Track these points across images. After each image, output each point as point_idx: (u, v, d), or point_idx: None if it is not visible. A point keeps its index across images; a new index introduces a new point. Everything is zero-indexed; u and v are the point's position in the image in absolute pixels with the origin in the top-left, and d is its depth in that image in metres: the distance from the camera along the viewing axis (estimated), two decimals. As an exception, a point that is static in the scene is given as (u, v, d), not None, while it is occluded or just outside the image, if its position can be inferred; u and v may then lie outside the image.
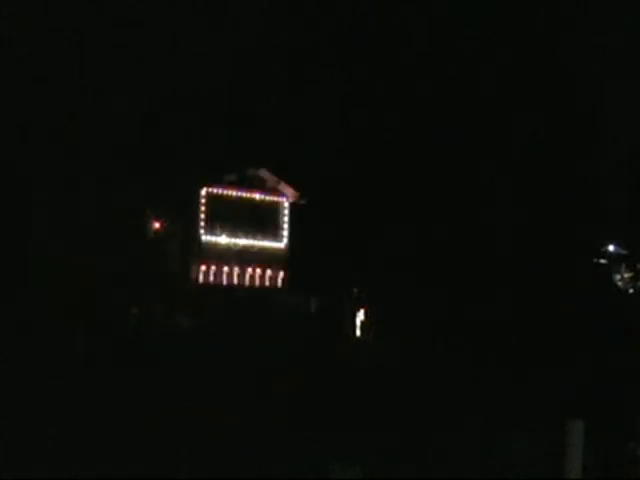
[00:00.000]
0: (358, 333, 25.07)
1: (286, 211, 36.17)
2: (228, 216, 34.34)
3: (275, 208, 35.71)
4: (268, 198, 35.37)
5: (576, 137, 40.04)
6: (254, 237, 35.06)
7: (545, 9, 36.79)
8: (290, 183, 35.83)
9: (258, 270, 35.56)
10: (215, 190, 34.07)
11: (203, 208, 33.85)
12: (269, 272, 35.81)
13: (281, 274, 35.60)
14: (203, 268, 33.95)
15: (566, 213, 41.45)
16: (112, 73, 32.77)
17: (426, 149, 35.44)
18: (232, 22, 36.88)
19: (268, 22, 36.91)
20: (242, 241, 34.84)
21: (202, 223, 33.89)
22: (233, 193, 34.43)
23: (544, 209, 42.25)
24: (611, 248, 50.81)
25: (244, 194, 34.69)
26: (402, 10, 34.59)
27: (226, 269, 34.66)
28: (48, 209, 29.56)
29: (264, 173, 35.40)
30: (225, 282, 34.43)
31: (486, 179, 40.80)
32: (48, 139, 29.00)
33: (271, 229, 35.67)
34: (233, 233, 34.65)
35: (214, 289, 33.13)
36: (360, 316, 25.46)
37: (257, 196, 35.05)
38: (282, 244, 35.38)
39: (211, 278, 34.16)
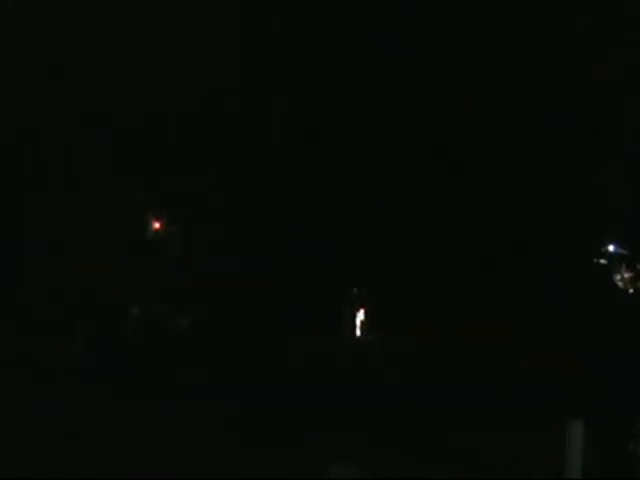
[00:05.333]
0: (358, 333, 25.07)
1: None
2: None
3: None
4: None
5: (577, 137, 40.05)
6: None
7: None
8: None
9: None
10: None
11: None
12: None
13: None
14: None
15: (567, 213, 41.44)
16: (115, 72, 32.73)
17: (426, 150, 35.43)
18: (236, 24, 36.84)
19: (271, 24, 36.87)
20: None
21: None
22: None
23: (545, 209, 42.22)
24: (611, 248, 50.80)
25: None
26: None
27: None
28: (47, 208, 29.52)
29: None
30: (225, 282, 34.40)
31: (485, 182, 40.78)
32: (47, 137, 28.98)
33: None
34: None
35: (214, 289, 33.11)
36: (360, 316, 25.45)
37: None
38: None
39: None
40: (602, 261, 46.25)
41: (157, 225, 33.51)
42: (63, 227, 29.77)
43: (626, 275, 46.85)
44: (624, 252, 47.35)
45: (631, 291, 44.83)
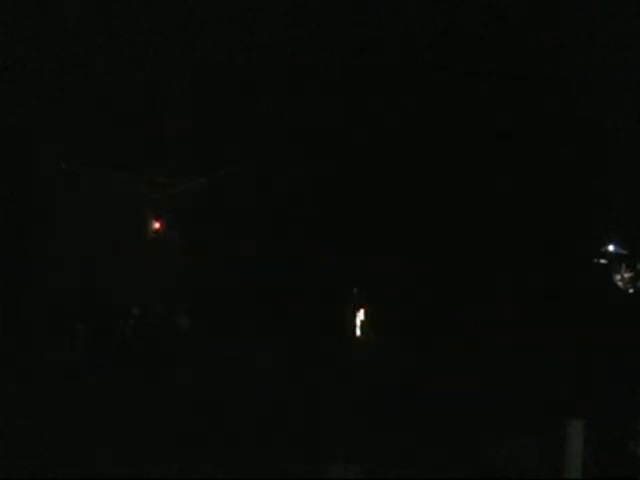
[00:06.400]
0: (358, 333, 25.08)
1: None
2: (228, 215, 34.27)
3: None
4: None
5: (577, 137, 40.03)
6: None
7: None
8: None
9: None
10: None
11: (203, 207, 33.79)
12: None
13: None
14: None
15: (567, 213, 41.42)
16: (110, 70, 32.68)
17: (426, 151, 35.42)
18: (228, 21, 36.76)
19: (265, 21, 36.81)
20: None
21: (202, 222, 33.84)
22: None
23: (545, 208, 42.20)
24: (611, 248, 50.78)
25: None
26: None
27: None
28: (47, 208, 29.50)
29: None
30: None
31: (486, 179, 40.77)
32: (47, 135, 28.95)
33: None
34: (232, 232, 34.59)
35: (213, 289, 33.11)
36: (360, 316, 25.47)
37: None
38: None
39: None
40: (602, 261, 46.17)
41: (157, 225, 33.50)
42: (63, 227, 29.76)
43: (626, 275, 46.80)
44: (624, 252, 47.28)
45: (631, 291, 44.76)
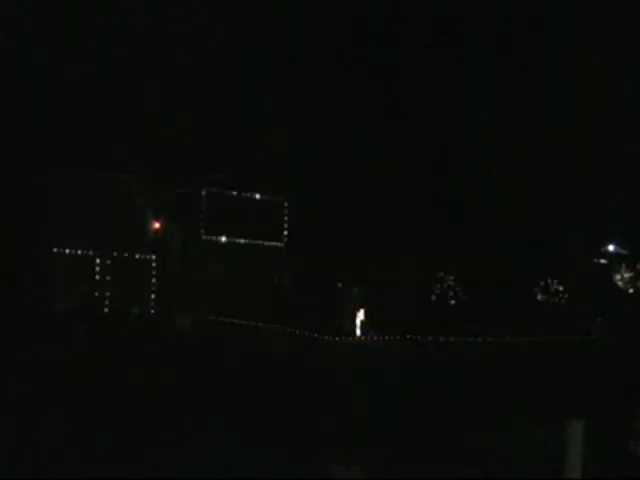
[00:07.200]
0: (358, 333, 25.11)
1: (285, 210, 36.17)
2: (228, 216, 34.36)
3: (275, 207, 35.72)
4: (267, 197, 35.39)
5: (577, 139, 40.12)
6: (253, 236, 35.08)
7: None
8: (290, 182, 35.87)
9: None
10: (215, 189, 34.11)
11: (203, 208, 33.85)
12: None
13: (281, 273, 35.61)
14: (203, 267, 33.97)
15: (567, 213, 41.53)
16: (111, 71, 32.78)
17: (426, 148, 35.48)
18: (232, 23, 36.87)
19: (265, 22, 36.90)
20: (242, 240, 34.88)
21: (202, 223, 33.91)
22: (233, 193, 34.45)
23: (546, 210, 42.30)
24: (611, 248, 50.90)
25: (244, 194, 34.72)
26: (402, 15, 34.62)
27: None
28: (49, 209, 29.55)
29: (263, 173, 35.42)
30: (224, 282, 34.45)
31: (486, 180, 40.85)
32: (49, 138, 29.02)
33: (271, 228, 35.67)
34: (233, 233, 34.68)
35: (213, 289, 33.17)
36: (360, 316, 25.51)
37: (257, 196, 35.06)
38: (281, 243, 35.37)
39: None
40: (602, 261, 46.27)
41: (157, 225, 33.55)
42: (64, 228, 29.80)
43: (626, 275, 46.92)
44: (624, 252, 47.37)
45: (631, 291, 44.86)
